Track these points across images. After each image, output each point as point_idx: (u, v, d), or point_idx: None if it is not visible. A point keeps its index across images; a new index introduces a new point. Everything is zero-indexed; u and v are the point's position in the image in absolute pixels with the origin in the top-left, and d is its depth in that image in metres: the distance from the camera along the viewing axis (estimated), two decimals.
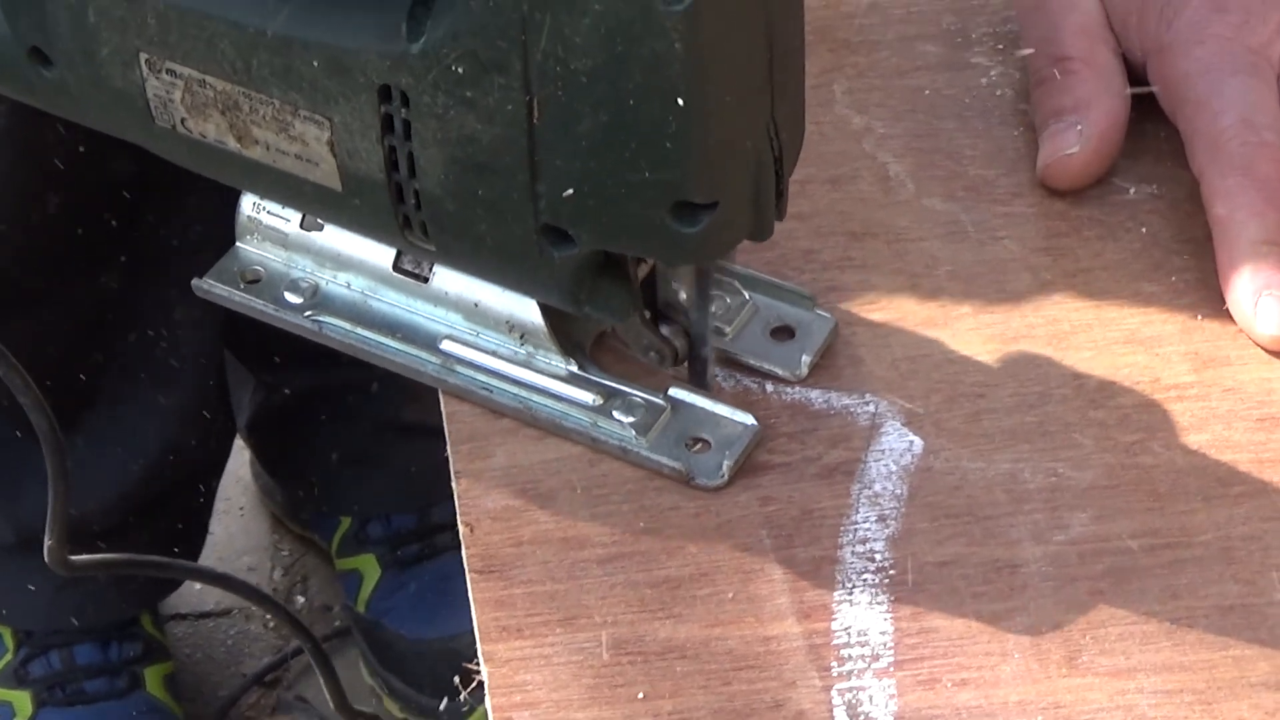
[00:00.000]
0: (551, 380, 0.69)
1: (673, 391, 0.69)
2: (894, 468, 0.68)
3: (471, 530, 0.67)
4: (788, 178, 0.63)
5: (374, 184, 0.63)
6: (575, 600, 0.65)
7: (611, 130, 0.58)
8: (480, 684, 0.63)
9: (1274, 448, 0.68)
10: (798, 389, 0.70)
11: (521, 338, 0.69)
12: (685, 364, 0.69)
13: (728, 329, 0.71)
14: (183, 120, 0.65)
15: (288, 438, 1.79)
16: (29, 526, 1.56)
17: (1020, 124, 0.79)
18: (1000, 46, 0.82)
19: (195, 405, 1.59)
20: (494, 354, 0.69)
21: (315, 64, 0.61)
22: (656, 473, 0.68)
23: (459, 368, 0.69)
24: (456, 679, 0.67)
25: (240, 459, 1.87)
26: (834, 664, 0.63)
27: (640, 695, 0.62)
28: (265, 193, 0.70)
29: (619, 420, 0.68)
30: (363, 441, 1.70)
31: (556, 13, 0.55)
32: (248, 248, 0.73)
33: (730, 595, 0.65)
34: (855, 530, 0.67)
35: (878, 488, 0.68)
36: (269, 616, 1.80)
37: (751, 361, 0.71)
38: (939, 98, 0.80)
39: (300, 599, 1.87)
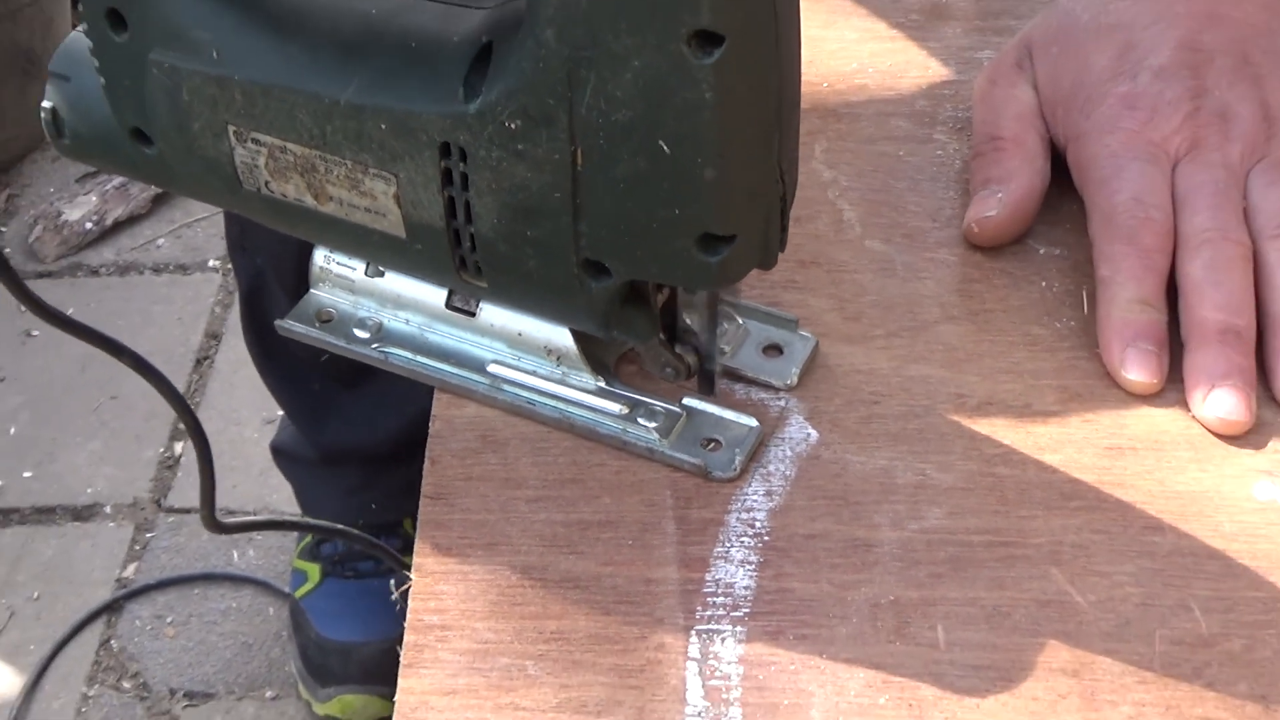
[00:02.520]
0: (584, 394, 0.60)
1: (687, 400, 0.60)
2: (789, 453, 0.59)
3: (434, 463, 0.58)
4: (789, 213, 0.54)
5: (434, 230, 0.54)
6: (500, 530, 0.56)
7: (647, 173, 0.49)
8: (408, 589, 0.55)
9: (1115, 473, 0.58)
10: (726, 381, 0.61)
11: (557, 360, 0.60)
12: (694, 377, 0.60)
13: (726, 348, 0.61)
14: (266, 183, 0.57)
15: None
16: (329, 449, 1.57)
17: (961, 189, 0.69)
18: (960, 128, 0.72)
19: None
20: (534, 374, 0.60)
21: (383, 126, 0.52)
22: (571, 429, 0.59)
23: (505, 386, 0.60)
24: (391, 581, 0.59)
25: None
26: (699, 608, 0.54)
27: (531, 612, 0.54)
28: (337, 244, 0.61)
29: (644, 426, 0.59)
30: None
31: (600, 71, 0.47)
32: (320, 293, 0.64)
33: (628, 541, 0.56)
34: (744, 500, 0.57)
35: (771, 468, 0.58)
36: None
37: (749, 374, 0.61)
38: (899, 163, 0.70)
39: None
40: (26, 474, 1.84)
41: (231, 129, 0.55)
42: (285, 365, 1.54)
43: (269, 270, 1.45)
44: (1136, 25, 0.66)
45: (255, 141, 0.55)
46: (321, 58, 0.52)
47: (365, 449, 1.57)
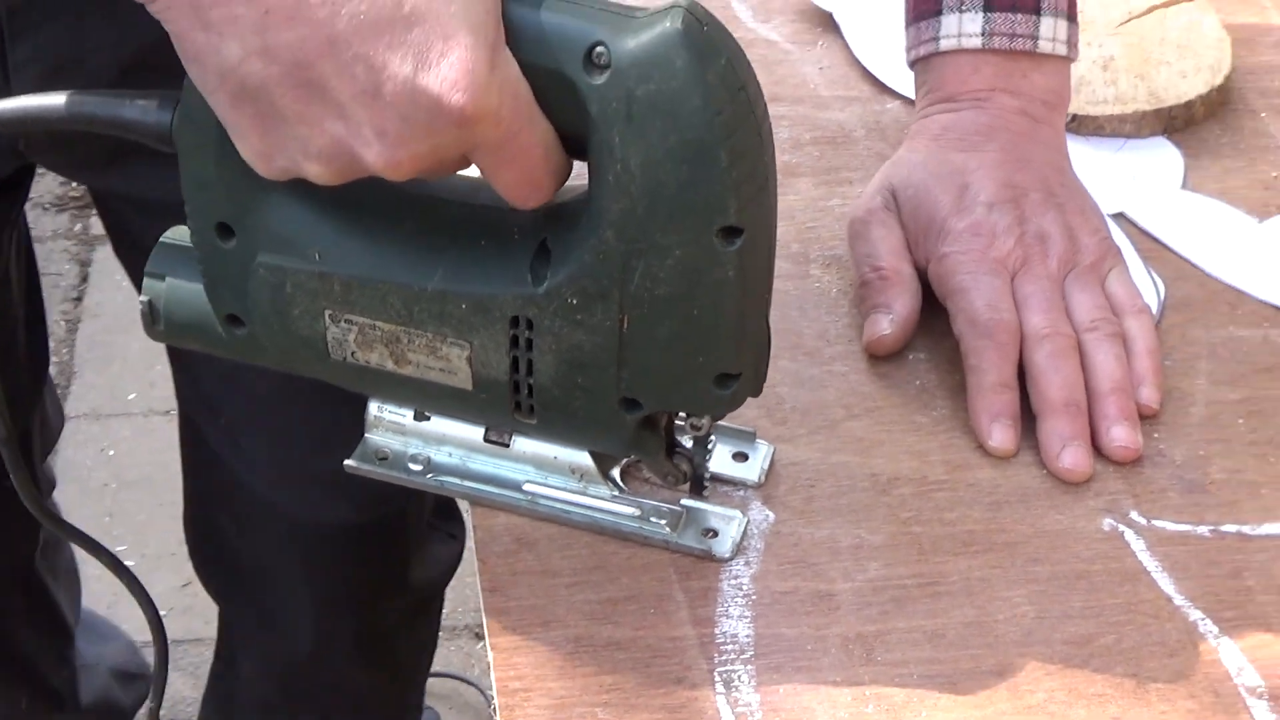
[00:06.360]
0: (604, 502, 0.69)
1: (684, 501, 0.70)
2: (755, 530, 0.71)
3: (484, 564, 0.68)
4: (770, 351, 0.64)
5: (499, 383, 0.62)
6: (550, 610, 0.67)
7: (679, 332, 0.59)
8: (488, 663, 0.65)
9: (999, 523, 0.72)
10: (706, 483, 0.72)
11: (580, 477, 0.69)
12: (688, 482, 0.70)
13: (707, 458, 0.70)
14: (353, 353, 0.63)
15: None
16: None
17: (839, 313, 0.81)
18: (828, 264, 0.85)
19: None
20: (562, 489, 0.69)
21: (463, 306, 0.60)
22: (599, 530, 0.70)
23: (541, 501, 0.69)
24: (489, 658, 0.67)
25: None
26: (716, 655, 0.65)
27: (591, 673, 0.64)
28: (408, 399, 0.67)
29: (657, 524, 0.68)
30: None
31: (648, 258, 0.57)
32: (375, 436, 0.71)
33: (650, 610, 0.67)
34: (731, 570, 0.69)
35: (745, 543, 0.70)
36: None
37: (726, 476, 0.72)
38: (788, 296, 0.82)
39: None
40: None
41: (328, 313, 0.62)
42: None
43: None
44: (967, 170, 0.81)
45: (348, 321, 0.62)
46: (408, 254, 0.60)
47: None
